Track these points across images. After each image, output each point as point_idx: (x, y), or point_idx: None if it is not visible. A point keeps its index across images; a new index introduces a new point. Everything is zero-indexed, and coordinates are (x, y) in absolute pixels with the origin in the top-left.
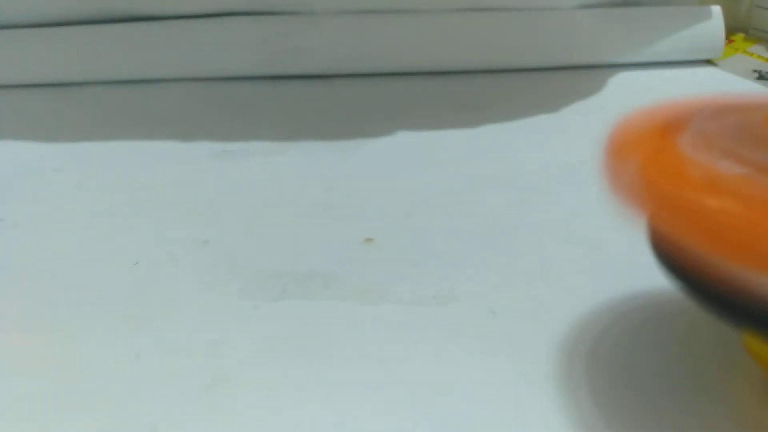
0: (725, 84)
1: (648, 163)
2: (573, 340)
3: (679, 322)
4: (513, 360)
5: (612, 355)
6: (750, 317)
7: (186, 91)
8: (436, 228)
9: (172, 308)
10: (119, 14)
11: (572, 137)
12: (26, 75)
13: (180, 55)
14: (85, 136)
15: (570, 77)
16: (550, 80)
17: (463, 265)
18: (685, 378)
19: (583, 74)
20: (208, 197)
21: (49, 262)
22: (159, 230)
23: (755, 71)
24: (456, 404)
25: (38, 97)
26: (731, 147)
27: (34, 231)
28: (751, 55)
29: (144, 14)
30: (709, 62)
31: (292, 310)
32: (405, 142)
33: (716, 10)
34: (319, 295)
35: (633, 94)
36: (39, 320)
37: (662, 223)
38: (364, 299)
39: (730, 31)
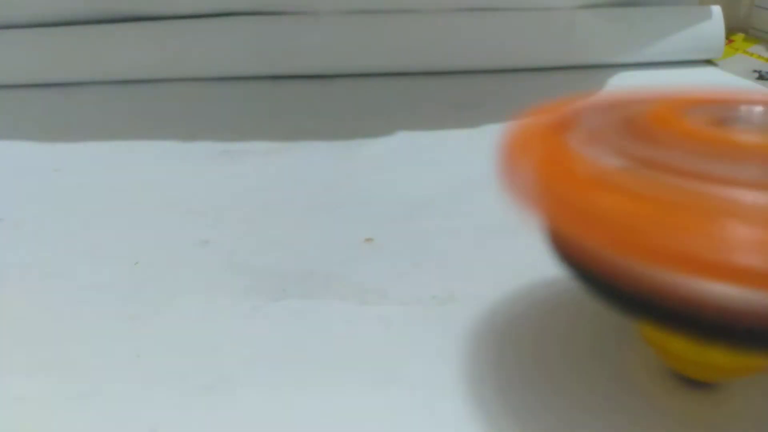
0: (725, 84)
1: (540, 163)
2: (571, 338)
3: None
4: (512, 359)
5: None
6: (643, 309)
7: (186, 91)
8: (436, 228)
9: (172, 308)
10: (119, 14)
11: None
12: (26, 75)
13: (180, 55)
14: (85, 136)
15: (570, 77)
16: (550, 80)
17: (463, 265)
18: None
19: (583, 74)
20: (208, 197)
21: (49, 262)
22: (159, 230)
23: (755, 71)
24: (455, 404)
25: (38, 97)
26: (617, 142)
27: (34, 231)
28: (751, 55)
29: (144, 14)
30: (709, 62)
31: (292, 310)
32: (405, 142)
33: (716, 10)
34: (319, 295)
35: None
36: (39, 320)
37: (555, 222)
38: (364, 299)
39: (730, 31)
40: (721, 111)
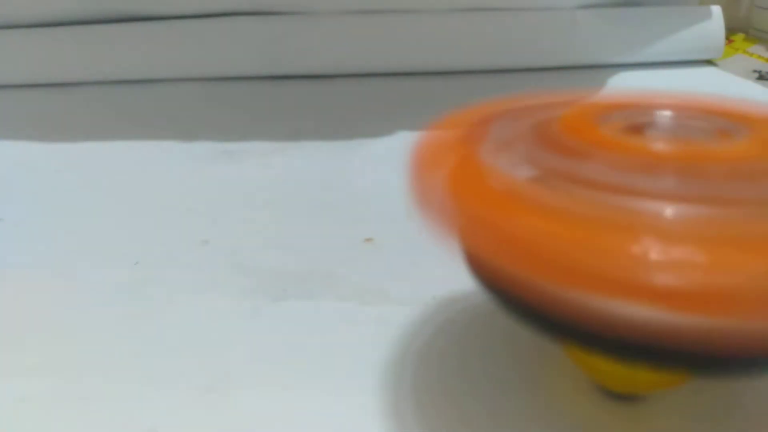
0: (725, 84)
1: (451, 178)
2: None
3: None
4: (513, 360)
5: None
6: (561, 331)
7: (186, 91)
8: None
9: (172, 308)
10: (119, 14)
11: None
12: (26, 75)
13: (180, 55)
14: (85, 136)
15: (570, 77)
16: (550, 80)
17: (462, 266)
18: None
19: (583, 74)
20: (208, 197)
21: (49, 262)
22: (159, 230)
23: (755, 71)
24: (456, 405)
25: (38, 97)
26: (529, 152)
27: (34, 231)
28: (751, 55)
29: (144, 14)
30: (709, 62)
31: (292, 311)
32: (405, 142)
33: (716, 10)
34: (318, 296)
35: None
36: (39, 320)
37: (469, 242)
38: (364, 299)
39: (730, 31)
40: (635, 117)
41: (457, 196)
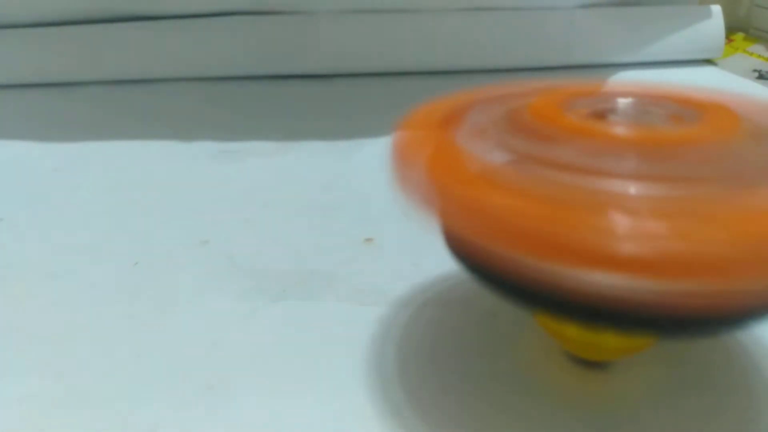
0: (725, 84)
1: (430, 162)
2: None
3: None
4: (514, 360)
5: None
6: (535, 301)
7: (186, 91)
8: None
9: (172, 308)
10: (119, 14)
11: None
12: (26, 75)
13: (180, 55)
14: (85, 136)
15: (570, 77)
16: (550, 80)
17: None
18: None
19: (583, 74)
20: (208, 197)
21: (49, 262)
22: (159, 230)
23: (755, 71)
24: (457, 405)
25: (38, 97)
26: (502, 138)
27: (34, 231)
28: (751, 54)
29: (144, 14)
30: (709, 62)
31: (292, 311)
32: None
33: (716, 9)
34: (318, 296)
35: None
36: (39, 320)
37: (448, 221)
38: (364, 300)
39: (730, 30)
40: (599, 103)
41: (436, 180)
